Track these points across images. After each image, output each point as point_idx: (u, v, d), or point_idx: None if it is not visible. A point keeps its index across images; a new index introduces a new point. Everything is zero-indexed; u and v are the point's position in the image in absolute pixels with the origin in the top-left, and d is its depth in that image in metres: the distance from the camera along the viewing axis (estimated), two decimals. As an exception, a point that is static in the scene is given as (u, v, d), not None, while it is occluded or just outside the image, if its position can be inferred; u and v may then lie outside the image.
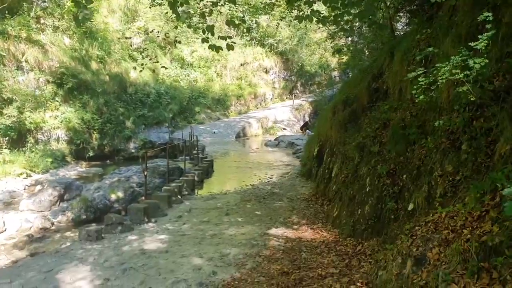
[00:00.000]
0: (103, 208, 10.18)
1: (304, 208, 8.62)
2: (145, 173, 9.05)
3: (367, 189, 6.21)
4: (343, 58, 16.96)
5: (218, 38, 6.10)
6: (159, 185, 12.04)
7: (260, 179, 12.88)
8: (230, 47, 5.83)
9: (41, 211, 10.18)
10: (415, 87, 4.45)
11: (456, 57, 3.89)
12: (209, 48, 6.09)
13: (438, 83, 4.17)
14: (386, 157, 6.19)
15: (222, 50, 6.03)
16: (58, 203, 10.81)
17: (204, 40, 6.11)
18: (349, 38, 16.98)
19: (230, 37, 6.01)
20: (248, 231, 6.86)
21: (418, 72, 4.42)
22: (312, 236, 6.42)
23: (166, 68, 17.32)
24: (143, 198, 9.61)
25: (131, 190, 11.35)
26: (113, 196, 10.78)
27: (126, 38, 20.30)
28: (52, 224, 9.44)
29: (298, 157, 17.15)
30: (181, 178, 11.90)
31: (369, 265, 4.64)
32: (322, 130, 11.53)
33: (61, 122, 17.30)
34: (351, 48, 15.79)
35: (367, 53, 14.87)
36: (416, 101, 4.60)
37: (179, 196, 10.16)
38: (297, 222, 7.45)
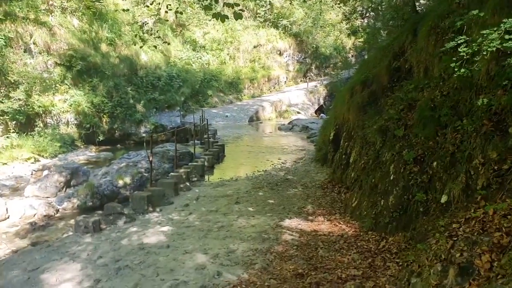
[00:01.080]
0: (110, 195, 9.77)
1: (319, 196, 8.03)
2: (151, 158, 8.56)
3: (391, 178, 5.59)
4: (359, 38, 16.14)
5: (223, 6, 5.48)
6: (168, 170, 11.56)
7: (273, 164, 12.30)
8: (237, 16, 5.20)
9: (47, 197, 9.82)
10: (454, 59, 3.77)
11: (510, 19, 3.19)
12: (213, 17, 5.48)
13: (484, 53, 3.48)
14: (412, 142, 5.57)
15: (228, 19, 5.41)
16: (64, 189, 10.44)
17: (207, 8, 5.51)
18: (365, 20, 16.12)
19: (237, 4, 5.37)
20: (259, 223, 6.30)
21: (459, 41, 3.73)
22: (329, 228, 5.82)
23: (169, 44, 16.75)
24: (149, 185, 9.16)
25: (139, 175, 10.88)
26: (120, 182, 10.32)
27: (124, 13, 19.55)
28: (57, 211, 9.06)
29: (312, 141, 16.52)
30: (190, 164, 11.40)
31: (396, 266, 4.03)
32: (338, 113, 10.85)
33: (70, 105, 16.97)
34: (367, 29, 14.92)
35: (383, 33, 14.02)
36: (455, 75, 3.91)
37: (187, 183, 9.65)
38: (313, 212, 6.87)
